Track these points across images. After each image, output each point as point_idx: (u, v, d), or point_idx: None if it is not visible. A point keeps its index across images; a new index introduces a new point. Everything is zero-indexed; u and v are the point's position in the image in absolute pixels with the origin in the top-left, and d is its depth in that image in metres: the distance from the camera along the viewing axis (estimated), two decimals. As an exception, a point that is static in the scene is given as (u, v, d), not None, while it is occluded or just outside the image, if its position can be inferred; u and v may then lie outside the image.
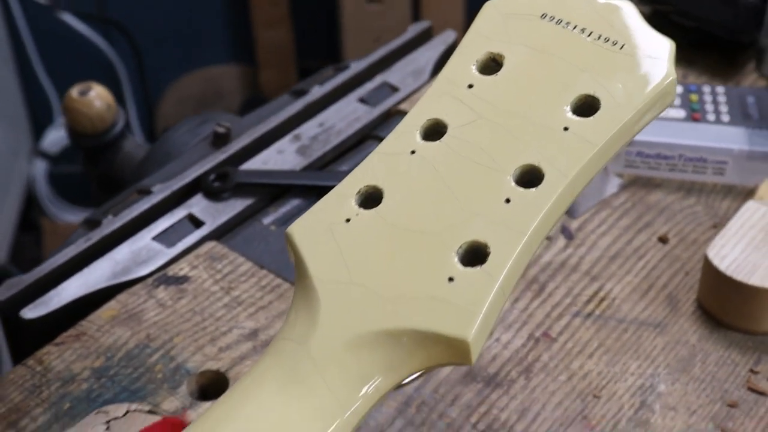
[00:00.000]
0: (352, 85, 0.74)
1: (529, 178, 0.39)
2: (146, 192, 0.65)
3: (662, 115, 0.67)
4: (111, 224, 0.62)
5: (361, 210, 0.39)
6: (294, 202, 0.65)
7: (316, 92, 0.73)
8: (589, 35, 0.41)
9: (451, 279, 0.37)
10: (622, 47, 0.41)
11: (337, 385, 0.36)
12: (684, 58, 0.74)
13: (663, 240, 0.61)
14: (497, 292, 0.37)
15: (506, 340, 0.55)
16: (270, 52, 1.92)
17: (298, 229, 0.39)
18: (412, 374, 0.37)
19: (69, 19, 1.78)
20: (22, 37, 1.83)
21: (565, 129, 0.39)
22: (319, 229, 0.39)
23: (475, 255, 0.37)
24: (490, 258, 0.37)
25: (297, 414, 0.36)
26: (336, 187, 0.40)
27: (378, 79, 0.75)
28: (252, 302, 0.58)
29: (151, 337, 0.56)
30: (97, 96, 0.76)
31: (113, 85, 1.93)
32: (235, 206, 0.64)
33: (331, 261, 0.38)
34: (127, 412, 0.40)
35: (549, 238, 0.61)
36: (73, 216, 1.89)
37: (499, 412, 0.52)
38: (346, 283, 0.38)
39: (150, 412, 0.40)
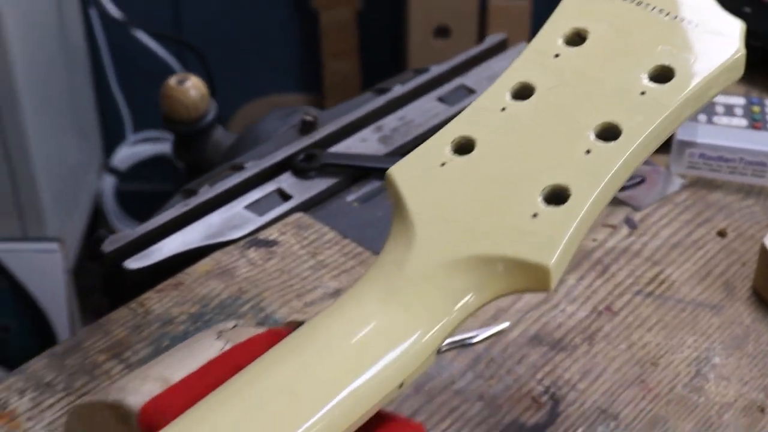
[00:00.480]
0: (432, 86, 0.79)
1: (608, 134, 0.43)
2: (239, 168, 0.70)
3: (725, 122, 0.71)
4: (207, 193, 0.67)
5: (455, 156, 0.44)
6: (375, 184, 0.70)
7: (398, 90, 0.78)
8: (666, 15, 0.46)
9: (535, 215, 0.41)
10: (696, 26, 0.45)
11: (431, 301, 0.40)
12: (746, 75, 0.78)
13: (721, 234, 0.65)
14: (576, 228, 0.41)
15: (571, 312, 0.59)
16: (336, 83, 1.98)
17: (397, 170, 0.44)
18: (499, 296, 0.41)
19: (145, 39, 1.85)
20: (101, 54, 1.90)
21: (642, 93, 0.44)
22: (417, 171, 0.44)
23: (557, 196, 0.42)
24: (571, 199, 0.41)
25: (393, 324, 0.40)
26: (432, 137, 0.45)
27: (456, 82, 0.80)
28: (335, 266, 0.62)
29: (242, 290, 0.60)
30: (193, 86, 0.82)
31: (184, 107, 1.99)
32: (321, 184, 0.69)
33: (426, 197, 0.43)
34: (235, 325, 0.45)
35: (613, 227, 0.66)
36: (137, 232, 1.95)
37: (563, 372, 0.56)
38: (440, 215, 0.42)
39: (257, 325, 0.45)
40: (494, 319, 0.59)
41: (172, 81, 0.82)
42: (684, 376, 0.56)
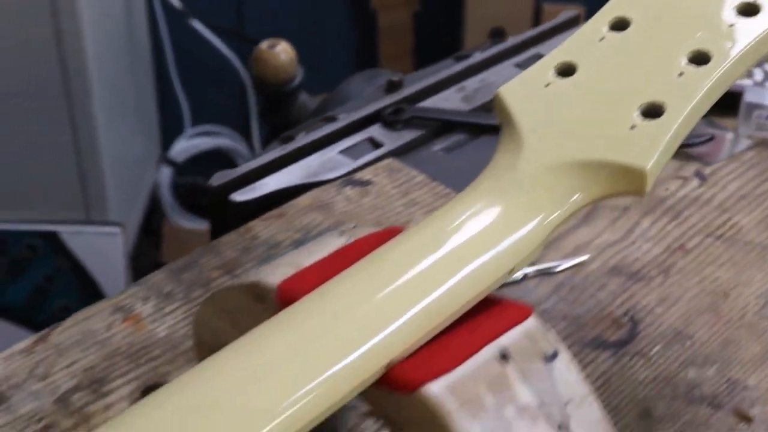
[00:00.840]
0: (509, 54, 0.84)
1: (699, 59, 0.48)
2: (332, 119, 0.75)
3: (790, 89, 0.75)
4: (303, 139, 0.72)
5: (558, 79, 0.48)
6: (459, 137, 0.74)
7: (478, 57, 0.83)
8: (752, -41, 0.51)
9: (633, 127, 0.46)
10: (780, -32, 0.50)
11: (543, 196, 0.45)
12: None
13: (787, 188, 0.70)
14: (670, 139, 0.45)
15: (647, 248, 0.64)
16: (390, 83, 2.02)
17: (505, 90, 0.49)
18: (601, 198, 0.46)
19: (206, 33, 1.91)
20: (163, 47, 1.96)
21: (731, 25, 0.48)
22: (523, 90, 0.48)
23: (653, 112, 0.46)
24: (666, 114, 0.46)
25: (508, 212, 0.45)
26: (535, 64, 0.50)
27: (532, 51, 0.85)
28: (426, 204, 0.67)
29: (341, 222, 0.65)
30: (283, 50, 0.88)
31: (242, 103, 2.06)
32: (409, 135, 0.74)
33: (533, 111, 0.47)
34: (355, 226, 0.49)
35: (685, 179, 0.70)
36: (192, 224, 2.00)
37: (641, 299, 0.60)
38: (545, 126, 0.47)
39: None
40: (574, 254, 0.63)
41: (264, 45, 0.88)
42: (753, 306, 0.60)
